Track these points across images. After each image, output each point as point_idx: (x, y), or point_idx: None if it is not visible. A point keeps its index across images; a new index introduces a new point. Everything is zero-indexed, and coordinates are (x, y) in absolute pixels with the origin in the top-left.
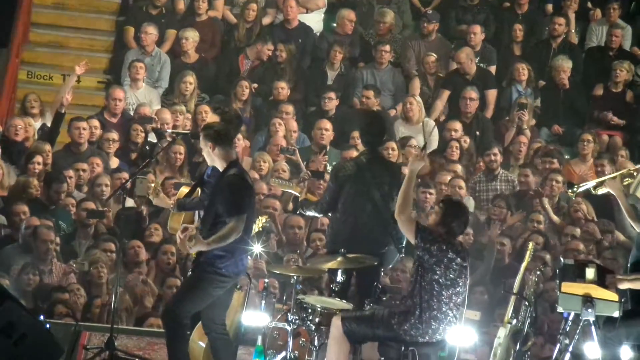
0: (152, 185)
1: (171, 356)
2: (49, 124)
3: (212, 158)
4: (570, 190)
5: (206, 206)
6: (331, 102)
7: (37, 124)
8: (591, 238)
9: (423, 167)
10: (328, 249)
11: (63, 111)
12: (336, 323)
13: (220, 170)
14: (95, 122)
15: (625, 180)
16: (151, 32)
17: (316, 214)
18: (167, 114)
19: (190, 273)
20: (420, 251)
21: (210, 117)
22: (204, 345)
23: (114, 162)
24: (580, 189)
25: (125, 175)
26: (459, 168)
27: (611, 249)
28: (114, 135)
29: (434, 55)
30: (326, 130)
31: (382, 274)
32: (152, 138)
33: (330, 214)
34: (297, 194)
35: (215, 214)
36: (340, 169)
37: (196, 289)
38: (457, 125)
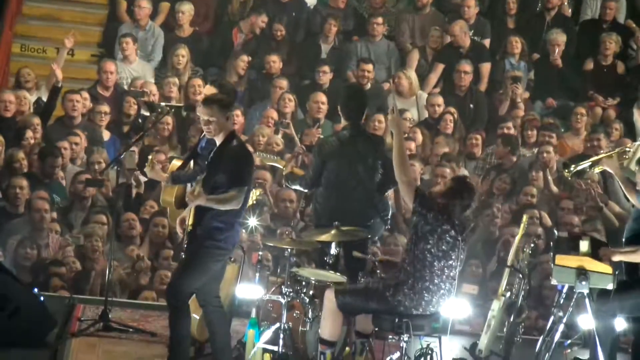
0: (150, 158)
1: (173, 334)
2: (44, 98)
3: (217, 128)
4: (566, 170)
5: (205, 176)
6: (325, 76)
7: (33, 97)
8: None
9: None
10: (314, 223)
11: (60, 85)
12: (329, 296)
13: (219, 141)
14: (85, 95)
15: (621, 158)
16: (145, 5)
17: (301, 188)
18: (152, 87)
19: (186, 246)
20: (417, 216)
21: (207, 89)
22: (197, 317)
23: (106, 135)
24: (577, 169)
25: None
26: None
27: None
28: (105, 108)
29: (439, 28)
30: (322, 103)
31: (369, 244)
32: (145, 111)
33: (314, 189)
34: (282, 167)
35: (213, 185)
36: (323, 144)
37: (196, 264)
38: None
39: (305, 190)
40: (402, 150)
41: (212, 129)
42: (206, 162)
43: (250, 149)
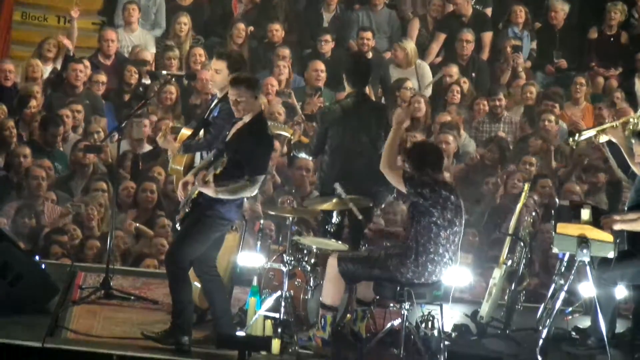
0: (163, 127)
1: (175, 300)
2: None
3: (247, 108)
4: (571, 139)
5: (221, 153)
6: (327, 45)
7: (48, 67)
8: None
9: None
10: (319, 191)
11: (72, 54)
12: (332, 263)
13: (246, 120)
14: (87, 63)
15: (626, 127)
16: None
17: (307, 156)
18: (148, 56)
19: (188, 213)
20: (414, 197)
21: (214, 64)
22: (199, 285)
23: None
24: (582, 138)
25: None
26: (453, 109)
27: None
28: (103, 77)
29: None
30: (321, 71)
31: (374, 213)
32: (146, 80)
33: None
34: (289, 136)
35: (234, 160)
36: (327, 111)
37: (196, 233)
38: (453, 70)
39: (310, 158)
40: (394, 143)
41: (241, 109)
42: (226, 140)
43: None
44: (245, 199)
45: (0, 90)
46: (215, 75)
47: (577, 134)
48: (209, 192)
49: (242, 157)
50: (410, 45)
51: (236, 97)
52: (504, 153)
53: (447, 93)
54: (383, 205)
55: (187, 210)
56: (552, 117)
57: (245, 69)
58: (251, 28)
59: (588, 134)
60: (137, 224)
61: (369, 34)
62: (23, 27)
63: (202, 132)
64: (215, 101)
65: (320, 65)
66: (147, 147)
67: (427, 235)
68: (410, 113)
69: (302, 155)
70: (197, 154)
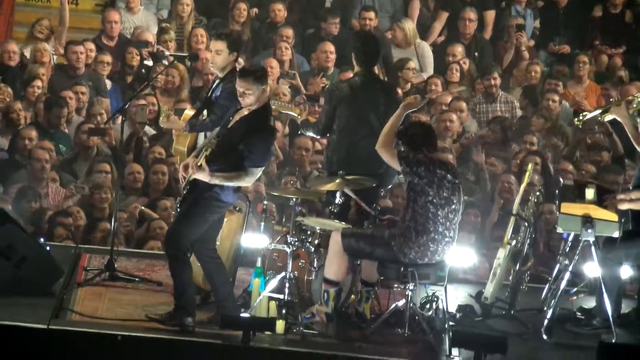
0: (165, 109)
1: (176, 282)
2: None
3: (254, 100)
4: (576, 119)
5: (222, 139)
6: (336, 27)
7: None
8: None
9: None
10: (326, 170)
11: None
12: (336, 238)
13: (254, 107)
14: (91, 45)
15: (630, 106)
16: None
17: (315, 135)
18: (149, 37)
19: (185, 194)
20: (409, 176)
21: (214, 45)
22: None
23: (107, 85)
24: (587, 117)
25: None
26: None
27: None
28: (108, 57)
29: None
30: (331, 53)
31: (381, 194)
32: (149, 61)
33: (327, 135)
34: (297, 115)
35: (232, 146)
36: (334, 90)
37: (194, 215)
38: (458, 50)
39: (318, 137)
40: (395, 126)
41: (249, 101)
42: (228, 126)
43: None
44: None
45: (4, 71)
46: (216, 56)
47: (581, 114)
48: (203, 177)
49: (244, 148)
50: (409, 25)
51: (244, 90)
52: (506, 133)
53: (446, 72)
54: (390, 187)
55: (184, 192)
56: (556, 97)
57: (245, 49)
58: (255, 10)
59: (593, 113)
60: (142, 207)
61: (371, 14)
62: (26, 8)
63: (205, 112)
64: (217, 81)
65: (330, 47)
66: (151, 131)
67: (425, 214)
68: (421, 104)
69: (310, 134)
70: (201, 135)
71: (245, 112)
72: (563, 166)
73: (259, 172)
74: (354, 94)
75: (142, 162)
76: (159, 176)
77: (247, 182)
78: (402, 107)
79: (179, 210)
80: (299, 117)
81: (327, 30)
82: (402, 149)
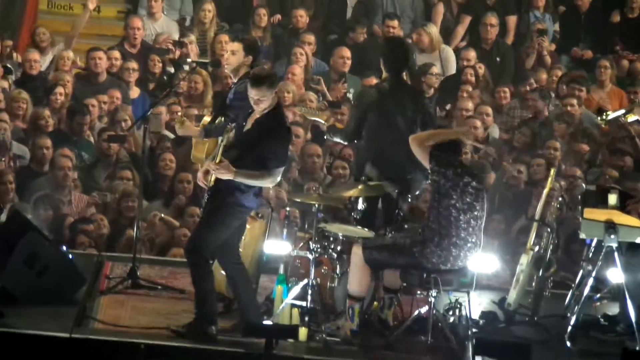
0: (179, 114)
1: (198, 290)
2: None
3: (267, 105)
4: (600, 118)
5: (238, 143)
6: (364, 36)
7: (49, 56)
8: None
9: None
10: (354, 175)
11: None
12: (357, 251)
13: (265, 110)
14: (116, 54)
15: None
16: None
17: (342, 141)
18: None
19: (206, 202)
20: (436, 175)
21: (230, 45)
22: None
23: (135, 92)
24: (611, 117)
25: None
26: (476, 94)
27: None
28: (134, 64)
29: None
30: (347, 58)
31: (408, 200)
32: (170, 68)
33: (355, 141)
34: (324, 122)
35: (240, 155)
36: (363, 95)
37: (216, 220)
38: (471, 54)
39: (346, 143)
40: (441, 137)
41: (263, 107)
42: (242, 126)
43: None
44: (269, 188)
45: (26, 79)
46: (231, 56)
47: (604, 113)
48: (227, 174)
49: (262, 150)
50: (434, 29)
51: (259, 97)
52: (535, 138)
53: (461, 76)
54: (418, 192)
55: (206, 199)
56: (575, 101)
57: (260, 53)
58: (279, 16)
59: (617, 113)
60: (162, 215)
61: (395, 22)
62: (49, 16)
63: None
64: (233, 86)
65: (347, 52)
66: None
67: (447, 218)
68: (470, 139)
69: (337, 139)
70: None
71: (257, 114)
72: (571, 171)
73: (279, 172)
74: (383, 100)
75: (154, 170)
76: (184, 184)
77: (269, 183)
78: (455, 133)
79: (200, 217)
80: (326, 122)
81: (354, 39)
82: (436, 149)
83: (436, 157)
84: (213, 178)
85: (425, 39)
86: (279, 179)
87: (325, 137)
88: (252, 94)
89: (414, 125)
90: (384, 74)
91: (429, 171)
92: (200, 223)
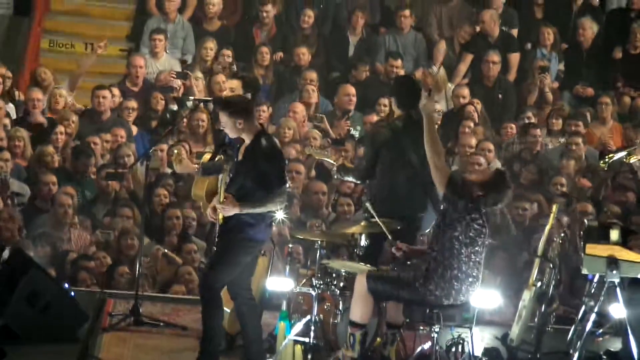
0: (175, 152)
1: (206, 327)
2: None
3: (238, 131)
4: (602, 162)
5: (234, 176)
6: (366, 74)
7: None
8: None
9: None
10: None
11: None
12: (361, 280)
13: (247, 140)
14: (116, 91)
15: None
16: None
17: (354, 180)
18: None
19: (218, 239)
20: (446, 203)
21: (229, 83)
22: (229, 310)
23: (133, 130)
24: (613, 159)
25: None
26: (480, 130)
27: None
28: (133, 103)
29: (469, 23)
30: (353, 95)
31: (419, 238)
32: (173, 106)
33: (367, 181)
34: (334, 162)
35: (241, 185)
36: (376, 134)
37: (228, 257)
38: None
39: (358, 182)
40: (433, 134)
41: (229, 132)
42: (235, 160)
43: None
44: (273, 222)
45: (27, 118)
46: (230, 94)
47: (606, 157)
48: (232, 209)
49: (256, 179)
50: (441, 71)
51: (222, 122)
52: (543, 176)
53: (461, 113)
54: (428, 230)
55: (217, 237)
56: (579, 139)
57: (260, 90)
58: (280, 54)
59: (618, 155)
60: (165, 250)
61: (398, 62)
62: (50, 54)
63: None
64: None
65: (352, 90)
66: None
67: (450, 250)
68: (434, 102)
69: (349, 178)
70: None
71: (246, 144)
72: (583, 207)
73: (283, 192)
74: (396, 138)
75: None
76: (173, 221)
77: (277, 205)
78: (426, 115)
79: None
80: (335, 163)
81: (357, 77)
82: (456, 177)
83: (453, 184)
84: (221, 216)
85: (429, 81)
86: (285, 199)
87: (335, 176)
88: (219, 116)
89: (426, 162)
90: (396, 112)
91: (442, 196)
92: (212, 260)
